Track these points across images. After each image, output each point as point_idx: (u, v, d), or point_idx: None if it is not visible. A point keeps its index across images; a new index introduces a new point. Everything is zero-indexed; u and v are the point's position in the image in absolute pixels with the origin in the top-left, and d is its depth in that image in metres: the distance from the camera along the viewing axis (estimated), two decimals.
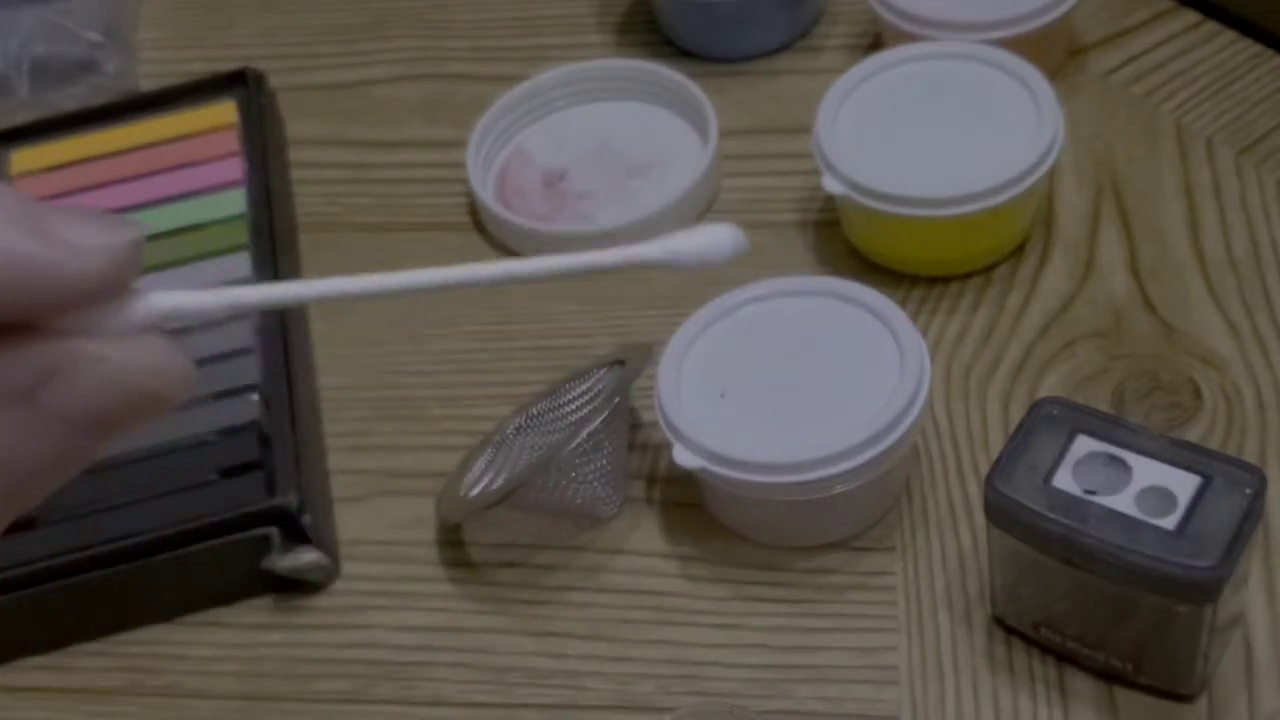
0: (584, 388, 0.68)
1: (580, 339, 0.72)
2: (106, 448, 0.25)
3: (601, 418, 0.60)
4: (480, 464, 0.66)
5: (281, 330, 0.71)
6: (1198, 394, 0.64)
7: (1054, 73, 0.75)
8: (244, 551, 0.63)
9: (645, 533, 0.64)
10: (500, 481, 0.65)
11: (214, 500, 0.64)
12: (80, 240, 0.24)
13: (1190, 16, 0.80)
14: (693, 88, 0.79)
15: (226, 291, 0.26)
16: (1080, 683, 0.56)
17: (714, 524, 0.64)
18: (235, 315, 0.26)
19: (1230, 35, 0.79)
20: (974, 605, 0.59)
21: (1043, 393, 0.65)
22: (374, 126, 0.85)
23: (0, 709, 0.63)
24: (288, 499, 0.63)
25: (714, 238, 0.30)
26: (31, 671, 0.64)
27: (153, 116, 0.82)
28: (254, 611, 0.65)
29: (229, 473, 0.65)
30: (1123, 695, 0.56)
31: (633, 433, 0.66)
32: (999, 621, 0.58)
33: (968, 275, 0.70)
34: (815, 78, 0.77)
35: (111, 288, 0.24)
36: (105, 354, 0.24)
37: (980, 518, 0.56)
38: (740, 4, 0.81)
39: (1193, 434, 0.62)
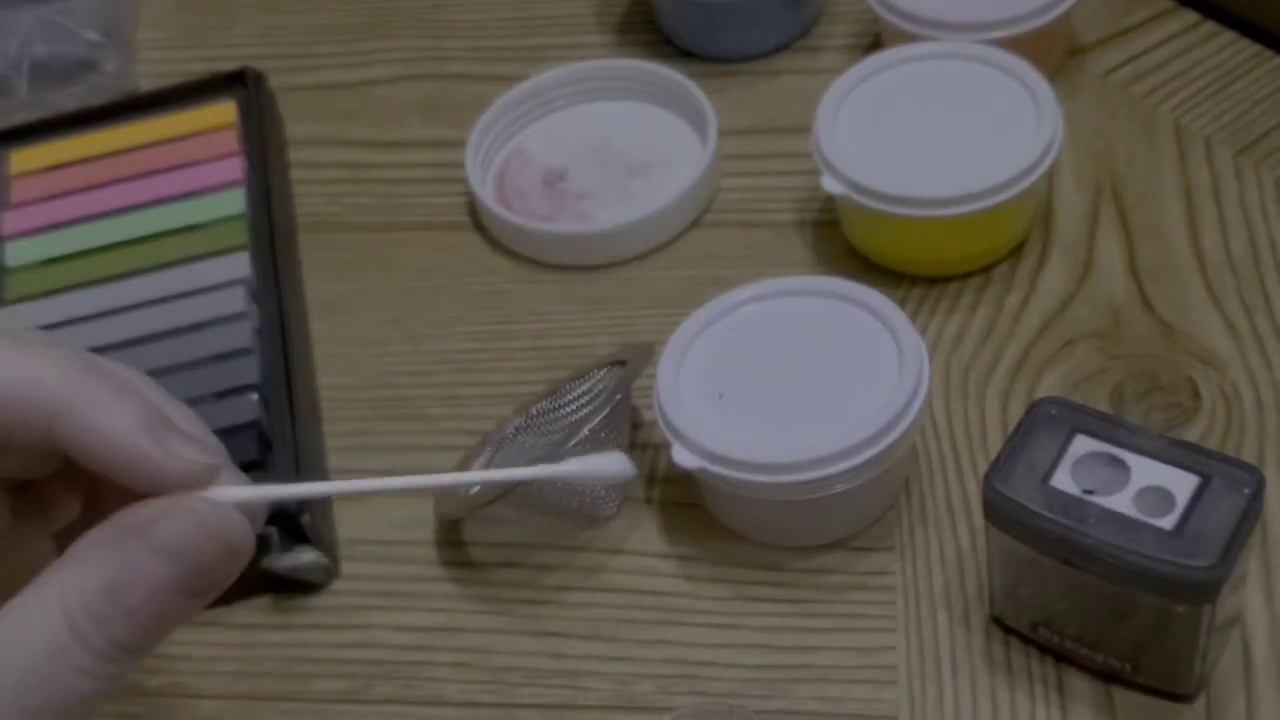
0: (584, 388, 0.68)
1: (580, 339, 0.72)
2: (202, 599, 0.37)
3: (602, 416, 0.61)
4: (480, 462, 0.66)
5: (281, 330, 0.71)
6: (1196, 394, 0.64)
7: (1054, 73, 0.75)
8: None
9: (645, 533, 0.64)
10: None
11: None
12: (183, 454, 0.37)
13: (1190, 16, 0.80)
14: (692, 88, 0.79)
15: (272, 488, 0.39)
16: (1078, 682, 0.56)
17: (713, 524, 0.64)
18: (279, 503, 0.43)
19: (1230, 35, 0.79)
20: (972, 605, 0.59)
21: (1041, 392, 0.65)
22: (374, 126, 0.85)
23: None
24: None
25: (614, 463, 0.43)
26: None
27: (152, 116, 0.82)
28: (253, 611, 0.65)
29: None
30: (1121, 695, 0.56)
31: (633, 432, 0.66)
32: (997, 621, 0.58)
33: (967, 275, 0.70)
34: (815, 78, 0.77)
35: (193, 486, 0.37)
36: (197, 506, 0.37)
37: (979, 517, 0.56)
38: (740, 4, 0.81)
39: (1191, 434, 0.63)
